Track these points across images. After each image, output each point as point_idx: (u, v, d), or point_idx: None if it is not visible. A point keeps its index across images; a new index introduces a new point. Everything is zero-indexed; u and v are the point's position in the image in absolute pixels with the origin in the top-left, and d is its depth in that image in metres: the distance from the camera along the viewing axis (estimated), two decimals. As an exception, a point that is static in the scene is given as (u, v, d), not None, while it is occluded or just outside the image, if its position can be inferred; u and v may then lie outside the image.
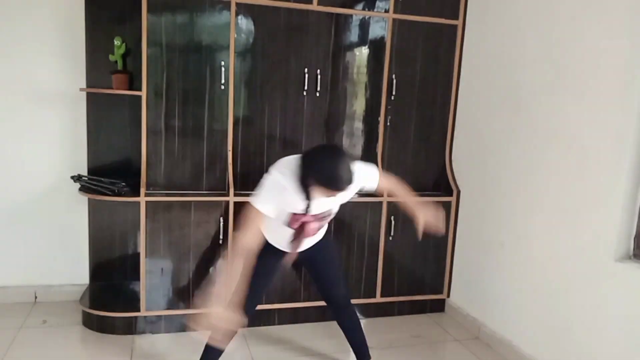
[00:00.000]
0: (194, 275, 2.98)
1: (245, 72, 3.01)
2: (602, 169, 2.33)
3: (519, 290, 2.84)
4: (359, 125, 3.25)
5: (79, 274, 3.33)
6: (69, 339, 2.90)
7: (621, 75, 2.24)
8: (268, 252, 2.35)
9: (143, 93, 2.83)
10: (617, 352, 2.26)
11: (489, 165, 3.10)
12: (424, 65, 3.27)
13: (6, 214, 3.20)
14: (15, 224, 3.22)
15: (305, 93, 3.09)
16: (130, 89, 3.01)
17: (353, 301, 2.66)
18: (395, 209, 3.25)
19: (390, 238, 3.29)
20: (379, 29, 3.15)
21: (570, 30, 2.51)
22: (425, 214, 2.36)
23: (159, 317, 2.99)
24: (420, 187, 3.38)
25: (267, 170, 3.07)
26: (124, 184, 2.89)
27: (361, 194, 2.66)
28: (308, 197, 2.07)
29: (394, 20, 3.15)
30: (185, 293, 2.98)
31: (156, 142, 2.91)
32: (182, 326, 3.02)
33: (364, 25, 3.14)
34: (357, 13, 3.10)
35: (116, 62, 3.05)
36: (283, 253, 2.39)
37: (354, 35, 3.14)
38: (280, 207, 2.14)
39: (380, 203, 3.23)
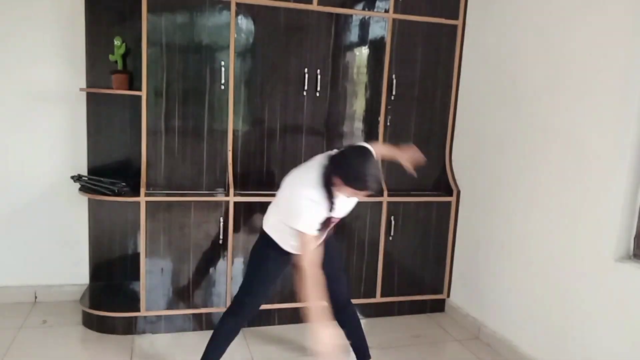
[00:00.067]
0: (194, 275, 2.98)
1: (245, 72, 3.01)
2: (601, 169, 2.33)
3: (519, 290, 2.84)
4: (359, 125, 3.25)
5: (79, 274, 3.33)
6: (69, 339, 2.90)
7: (621, 75, 2.24)
8: (278, 255, 2.36)
9: (143, 93, 2.83)
10: (617, 351, 2.26)
11: (489, 165, 3.10)
12: (424, 65, 3.27)
13: (6, 214, 3.21)
14: (15, 223, 3.22)
15: (305, 93, 3.09)
16: (130, 89, 3.01)
17: (353, 301, 2.66)
18: (395, 209, 3.25)
19: (390, 238, 3.29)
20: (379, 29, 3.15)
21: (570, 30, 2.51)
22: (405, 156, 2.55)
23: (159, 317, 2.99)
24: (420, 187, 3.39)
25: (267, 170, 3.10)
26: (124, 184, 2.89)
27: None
28: (332, 199, 2.11)
29: (394, 20, 3.15)
30: (185, 293, 2.98)
31: (156, 142, 2.91)
32: (181, 326, 3.03)
33: (364, 25, 3.14)
34: (357, 13, 3.10)
35: (116, 62, 3.05)
36: (291, 255, 2.39)
37: (354, 35, 3.14)
38: (319, 220, 2.16)
39: (380, 203, 3.23)
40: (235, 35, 2.91)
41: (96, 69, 3.10)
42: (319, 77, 3.09)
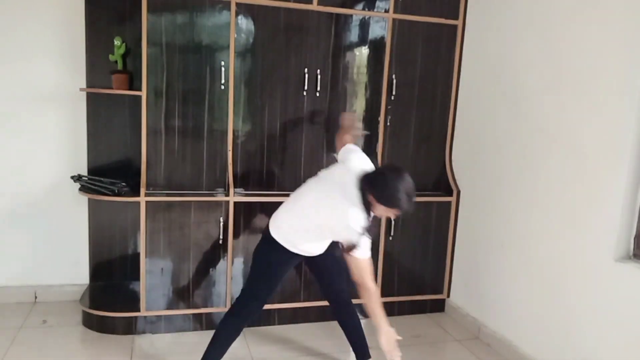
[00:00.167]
0: (194, 275, 2.98)
1: (245, 72, 3.01)
2: (602, 169, 2.33)
3: (519, 290, 2.84)
4: (358, 125, 3.25)
5: (79, 274, 3.33)
6: (69, 339, 2.90)
7: (621, 75, 2.24)
8: (283, 258, 2.38)
9: (143, 93, 2.83)
10: (617, 351, 2.26)
11: (489, 165, 3.10)
12: (424, 65, 3.27)
13: (6, 214, 3.21)
14: (15, 223, 3.22)
15: (305, 93, 3.09)
16: (130, 89, 3.01)
17: (353, 301, 2.66)
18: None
19: (390, 238, 3.29)
20: (379, 29, 3.15)
21: (570, 30, 2.51)
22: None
23: (159, 317, 2.99)
24: (420, 187, 3.37)
25: (267, 170, 3.09)
26: (124, 184, 2.89)
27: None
28: (369, 217, 2.17)
29: (394, 20, 3.15)
30: (185, 293, 2.98)
31: (156, 142, 2.91)
32: (181, 326, 3.03)
33: (364, 25, 3.14)
34: (357, 13, 3.10)
35: (116, 62, 3.05)
36: (295, 257, 2.40)
37: (354, 35, 3.14)
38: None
39: (380, 203, 3.23)
40: (235, 35, 2.91)
41: (96, 69, 3.10)
42: (319, 77, 3.09)
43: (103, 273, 3.32)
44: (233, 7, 2.87)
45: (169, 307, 2.97)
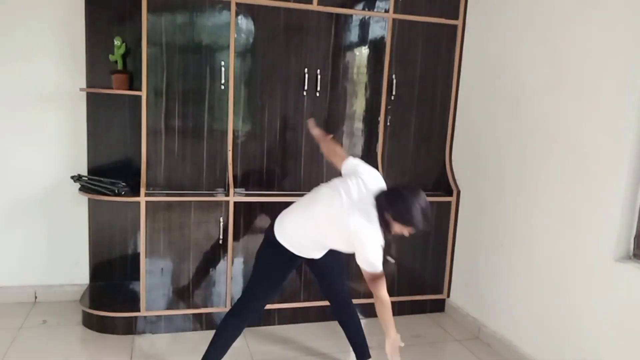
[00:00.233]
0: (194, 275, 2.98)
1: (245, 72, 3.01)
2: (602, 169, 2.33)
3: (519, 290, 2.84)
4: (359, 125, 3.25)
5: (79, 274, 3.33)
6: (69, 339, 2.90)
7: (621, 75, 2.24)
8: (285, 260, 2.38)
9: (143, 93, 2.83)
10: (617, 352, 2.26)
11: (489, 165, 3.10)
12: (424, 65, 3.27)
13: (6, 213, 3.21)
14: (15, 223, 3.22)
15: (305, 93, 3.09)
16: (130, 89, 3.01)
17: (354, 301, 2.66)
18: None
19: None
20: (379, 29, 3.15)
21: (570, 31, 2.51)
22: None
23: (159, 317, 2.99)
24: (420, 187, 3.39)
25: (267, 170, 3.10)
26: (124, 184, 2.89)
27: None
28: (387, 230, 2.20)
29: (394, 20, 3.15)
30: (185, 293, 2.98)
31: (156, 142, 2.91)
32: (181, 326, 3.03)
33: (364, 25, 3.14)
34: (357, 13, 3.10)
35: (116, 62, 3.05)
36: (298, 259, 2.41)
37: (354, 35, 3.14)
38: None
39: (380, 203, 3.23)
40: (235, 35, 2.91)
41: (96, 69, 3.10)
42: (319, 77, 3.09)
43: (103, 273, 3.32)
44: (233, 7, 2.87)
45: (169, 307, 2.97)
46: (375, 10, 3.12)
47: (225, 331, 2.41)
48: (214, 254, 2.98)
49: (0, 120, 3.11)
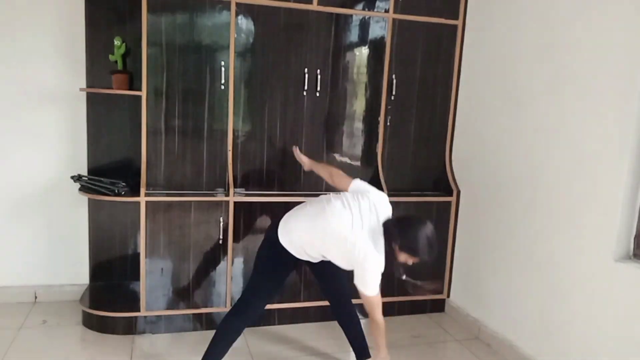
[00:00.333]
0: (194, 275, 2.98)
1: (245, 72, 3.01)
2: (602, 169, 2.33)
3: (519, 290, 2.84)
4: (359, 125, 3.25)
5: (79, 274, 3.33)
6: (69, 339, 2.90)
7: (621, 75, 2.24)
8: (286, 260, 2.39)
9: (143, 93, 2.83)
10: (617, 352, 2.26)
11: (489, 165, 3.10)
12: (424, 65, 3.27)
13: (6, 213, 3.20)
14: (15, 223, 3.22)
15: (305, 93, 3.09)
16: (130, 89, 3.01)
17: (353, 301, 2.66)
18: (395, 209, 3.24)
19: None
20: (379, 29, 3.15)
21: (570, 30, 2.51)
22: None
23: (159, 317, 2.99)
24: (420, 187, 3.40)
25: (267, 170, 3.10)
26: (124, 184, 2.89)
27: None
28: (393, 258, 2.26)
29: (394, 20, 3.15)
30: (185, 293, 2.98)
31: (156, 142, 2.91)
32: (181, 326, 3.03)
33: (364, 25, 3.14)
34: (357, 13, 3.10)
35: (116, 62, 3.04)
36: (299, 260, 2.42)
37: (354, 35, 3.14)
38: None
39: (380, 203, 3.23)
40: (235, 35, 2.91)
41: (96, 69, 3.09)
42: (319, 77, 3.09)
43: (103, 273, 3.32)
44: (233, 7, 2.87)
45: (169, 307, 2.97)
46: (375, 10, 3.12)
47: (226, 331, 2.42)
48: (214, 254, 2.98)
49: (1, 120, 3.11)
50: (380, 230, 2.23)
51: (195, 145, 2.96)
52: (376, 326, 2.35)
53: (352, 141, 3.25)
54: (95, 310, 2.96)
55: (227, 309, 2.96)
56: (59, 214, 3.26)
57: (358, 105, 3.23)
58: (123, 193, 2.88)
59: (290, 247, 2.35)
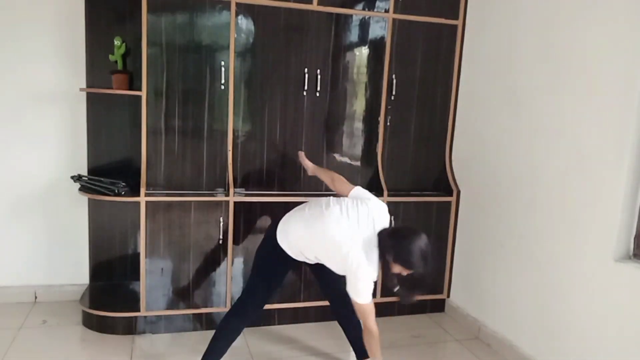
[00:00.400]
0: (194, 275, 2.98)
1: (245, 72, 3.01)
2: (602, 169, 2.33)
3: (519, 290, 2.84)
4: (359, 125, 3.25)
5: (79, 274, 3.33)
6: (69, 339, 2.90)
7: (621, 75, 2.24)
8: (284, 259, 2.39)
9: (143, 93, 2.83)
10: (617, 352, 2.26)
11: (489, 165, 3.10)
12: (424, 65, 3.27)
13: (6, 213, 3.20)
14: (15, 223, 3.22)
15: (305, 93, 3.09)
16: (130, 89, 3.01)
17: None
18: (395, 209, 3.24)
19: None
20: (379, 29, 3.15)
21: (570, 31, 2.51)
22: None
23: (159, 317, 2.99)
24: (420, 187, 3.40)
25: (267, 170, 3.09)
26: (124, 184, 2.89)
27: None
28: (387, 269, 2.27)
29: (394, 20, 3.15)
30: (185, 293, 2.98)
31: (156, 142, 2.91)
32: (181, 326, 3.03)
33: (364, 25, 3.14)
34: (357, 13, 3.10)
35: (116, 62, 3.04)
36: (299, 261, 2.43)
37: (354, 35, 3.14)
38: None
39: (380, 203, 3.23)
40: (235, 35, 2.91)
41: (96, 69, 3.09)
42: (319, 77, 3.09)
43: (103, 273, 3.32)
44: (233, 7, 2.87)
45: (169, 307, 2.97)
46: (375, 10, 3.12)
47: (225, 331, 2.42)
48: (214, 254, 2.98)
49: (1, 120, 3.11)
50: (375, 241, 2.23)
51: (195, 145, 2.96)
52: (370, 336, 2.32)
53: (352, 141, 3.25)
54: (95, 310, 2.96)
55: (227, 309, 2.96)
56: (59, 214, 3.26)
57: (358, 105, 3.23)
58: (123, 193, 2.87)
59: (288, 248, 2.36)
